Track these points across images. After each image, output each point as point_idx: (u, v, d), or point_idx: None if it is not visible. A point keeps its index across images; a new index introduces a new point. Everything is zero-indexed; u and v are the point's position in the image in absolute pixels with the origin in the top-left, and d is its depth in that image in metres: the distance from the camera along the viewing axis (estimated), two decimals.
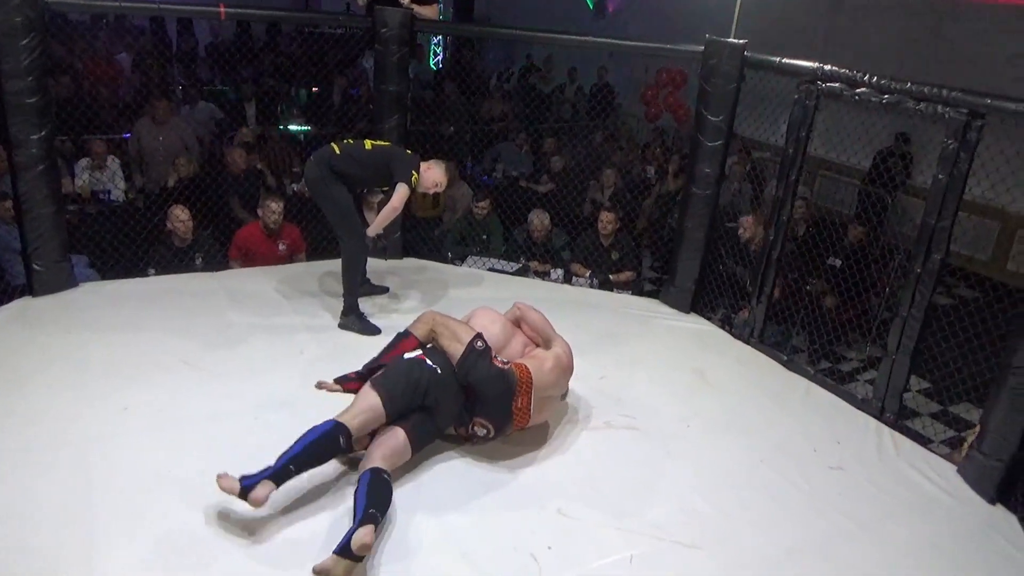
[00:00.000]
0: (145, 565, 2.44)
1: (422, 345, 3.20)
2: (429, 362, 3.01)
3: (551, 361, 3.15)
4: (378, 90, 4.90)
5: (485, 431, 3.01)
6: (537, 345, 3.34)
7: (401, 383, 2.92)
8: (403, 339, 3.27)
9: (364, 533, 2.42)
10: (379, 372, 3.04)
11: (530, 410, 3.02)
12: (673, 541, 2.75)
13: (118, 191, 6.19)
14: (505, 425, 3.03)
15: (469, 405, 3.01)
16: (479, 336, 3.05)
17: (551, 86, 10.58)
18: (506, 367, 3.00)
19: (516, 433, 3.24)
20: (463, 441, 3.14)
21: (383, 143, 4.30)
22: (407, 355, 3.10)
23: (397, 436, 2.86)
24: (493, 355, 3.03)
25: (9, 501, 2.65)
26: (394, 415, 2.89)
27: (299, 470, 2.66)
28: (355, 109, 7.67)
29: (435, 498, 2.86)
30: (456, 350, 3.01)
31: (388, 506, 2.65)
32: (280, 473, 2.61)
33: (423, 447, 3.02)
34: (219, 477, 2.58)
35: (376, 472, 2.71)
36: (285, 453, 2.66)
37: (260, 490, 2.54)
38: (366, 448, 2.87)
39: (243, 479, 2.57)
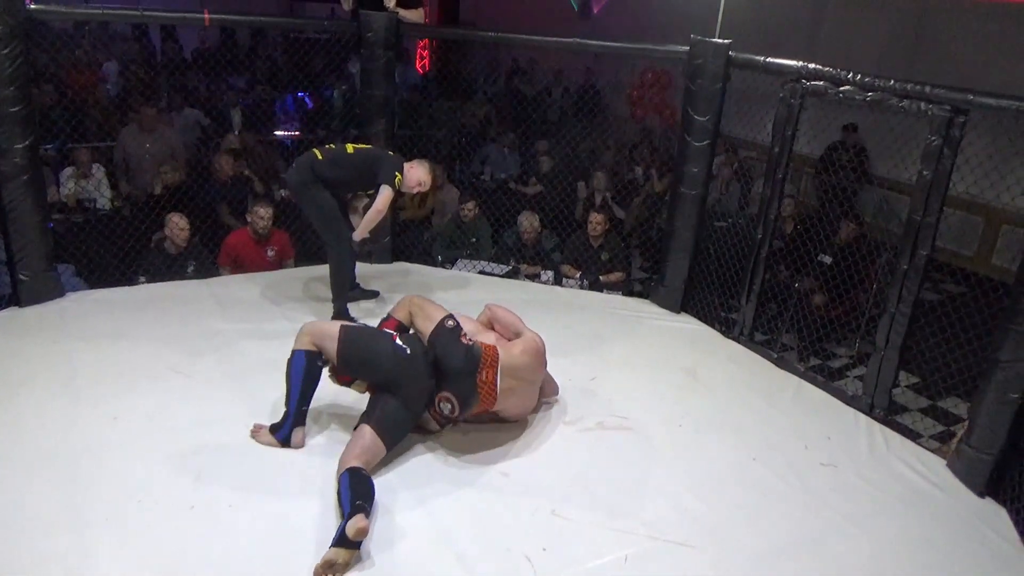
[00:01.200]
0: (136, 573, 2.42)
1: (402, 328, 3.30)
2: (399, 341, 3.07)
3: (520, 345, 3.20)
4: (364, 95, 4.89)
5: (450, 406, 3.01)
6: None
7: (361, 335, 3.10)
8: (384, 321, 3.42)
9: (358, 519, 2.49)
10: None
11: (496, 386, 3.01)
12: (667, 540, 2.76)
13: (104, 199, 6.15)
14: (469, 398, 3.00)
15: (437, 383, 3.04)
16: (451, 316, 3.17)
17: (536, 88, 10.60)
18: (472, 343, 3.07)
19: (508, 434, 3.26)
20: (438, 427, 3.18)
21: (365, 146, 4.30)
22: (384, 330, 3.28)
23: (364, 434, 2.91)
24: (463, 333, 3.10)
25: None
26: (344, 358, 3.00)
27: (308, 405, 3.11)
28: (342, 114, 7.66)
29: (428, 500, 2.86)
30: (427, 327, 3.14)
31: (373, 499, 2.69)
32: (300, 416, 3.08)
33: (398, 440, 3.03)
34: (256, 430, 3.10)
35: (354, 470, 2.76)
36: (291, 398, 3.06)
37: (297, 435, 3.07)
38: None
39: (274, 432, 3.07)
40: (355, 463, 2.80)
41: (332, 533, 2.57)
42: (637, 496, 2.99)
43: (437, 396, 3.02)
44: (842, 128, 7.53)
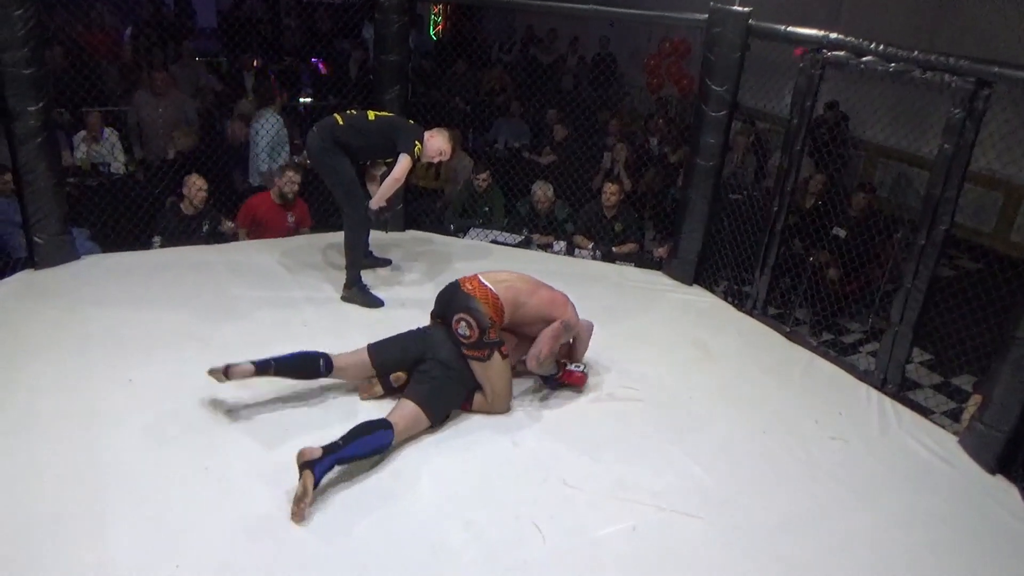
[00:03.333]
0: (150, 533, 2.47)
1: None
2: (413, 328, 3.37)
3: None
4: (378, 60, 4.84)
5: (464, 323, 3.08)
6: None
7: (389, 339, 3.28)
8: None
9: (311, 447, 2.63)
10: None
11: (486, 286, 3.14)
12: (675, 511, 2.78)
13: (118, 164, 6.15)
14: (473, 307, 3.08)
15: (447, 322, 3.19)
16: None
17: (552, 56, 10.46)
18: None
19: (518, 403, 3.28)
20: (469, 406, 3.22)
21: (386, 113, 4.27)
22: None
23: (406, 404, 3.00)
24: None
25: (15, 473, 2.68)
26: (378, 359, 3.21)
27: (277, 372, 3.04)
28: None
29: (438, 468, 2.89)
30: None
31: (359, 444, 2.75)
32: (261, 364, 3.00)
33: (443, 412, 3.11)
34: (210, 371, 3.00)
35: (374, 420, 2.87)
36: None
37: (238, 368, 2.95)
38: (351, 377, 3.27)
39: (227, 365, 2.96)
40: (391, 419, 2.91)
41: (348, 500, 2.64)
42: (646, 467, 3.01)
43: (452, 325, 3.11)
44: (825, 106, 7.33)
